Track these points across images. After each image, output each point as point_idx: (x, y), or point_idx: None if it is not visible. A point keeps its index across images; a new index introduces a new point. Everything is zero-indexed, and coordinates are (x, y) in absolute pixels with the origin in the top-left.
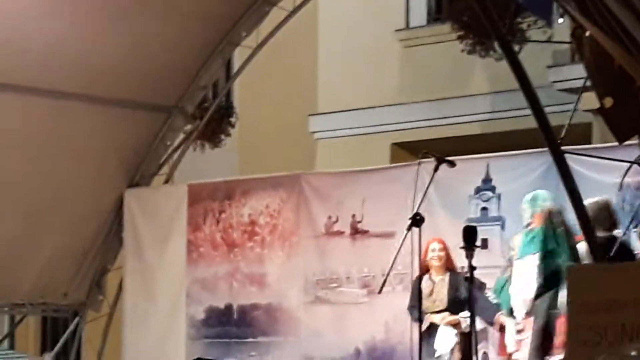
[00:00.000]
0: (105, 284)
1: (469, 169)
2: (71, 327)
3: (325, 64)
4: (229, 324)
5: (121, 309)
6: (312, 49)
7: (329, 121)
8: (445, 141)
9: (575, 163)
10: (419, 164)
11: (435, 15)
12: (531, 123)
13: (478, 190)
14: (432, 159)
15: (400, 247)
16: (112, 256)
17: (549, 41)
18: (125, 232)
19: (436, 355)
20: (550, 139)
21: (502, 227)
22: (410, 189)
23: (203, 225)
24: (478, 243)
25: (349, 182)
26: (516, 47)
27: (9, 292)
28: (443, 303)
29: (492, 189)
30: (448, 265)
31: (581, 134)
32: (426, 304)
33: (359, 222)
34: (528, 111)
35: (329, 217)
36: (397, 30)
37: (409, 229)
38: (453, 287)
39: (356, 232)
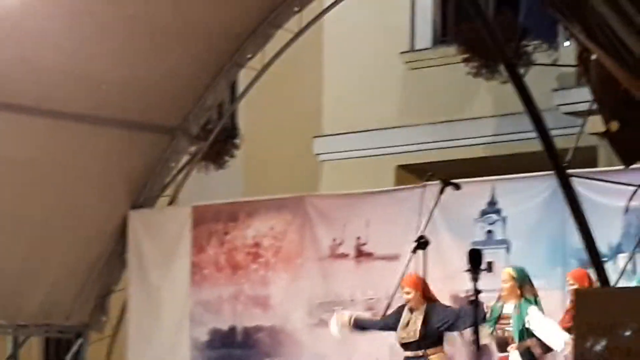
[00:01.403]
0: (108, 305)
1: (474, 192)
2: (74, 348)
3: (330, 86)
4: (232, 346)
5: (124, 330)
6: (317, 70)
7: (333, 143)
8: (451, 164)
9: (581, 186)
10: (424, 186)
11: (441, 38)
12: (536, 146)
13: (483, 213)
14: (437, 182)
15: (405, 270)
16: (115, 277)
17: (554, 64)
18: (129, 254)
19: None
20: (556, 162)
21: (508, 250)
22: (415, 212)
23: (207, 247)
24: (483, 266)
25: (354, 205)
26: (522, 70)
27: (13, 313)
28: (416, 335)
29: (498, 211)
30: (426, 297)
31: (587, 158)
32: (402, 334)
33: (364, 244)
34: (533, 134)
35: (334, 240)
36: (403, 52)
37: (414, 251)
38: (427, 319)
39: (360, 254)
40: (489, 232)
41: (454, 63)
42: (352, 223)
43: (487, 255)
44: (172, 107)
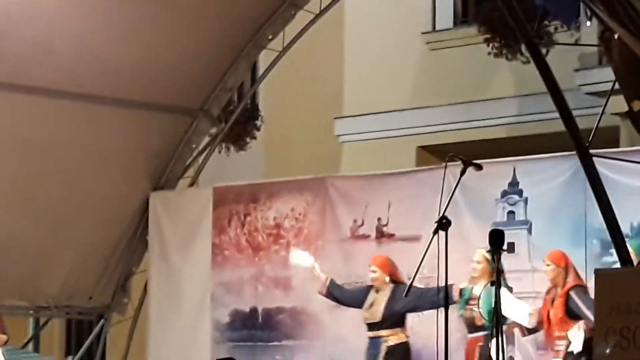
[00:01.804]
0: (130, 287)
1: (496, 173)
2: (96, 330)
3: (351, 67)
4: (254, 328)
5: (146, 312)
6: (338, 51)
7: (354, 124)
8: (472, 144)
9: (602, 166)
10: (445, 167)
11: (462, 18)
12: (558, 126)
13: (505, 194)
14: (458, 162)
15: (426, 251)
16: (137, 259)
17: (576, 44)
18: (151, 235)
19: None
20: (578, 142)
21: (529, 230)
22: (436, 193)
23: (228, 228)
24: (505, 247)
25: (375, 186)
26: (543, 50)
27: (34, 294)
28: (378, 316)
29: (519, 192)
30: (393, 280)
31: (609, 138)
32: (366, 314)
33: (385, 225)
34: (555, 114)
35: (355, 221)
36: (424, 33)
37: (435, 232)
38: (391, 301)
39: (382, 235)
40: (511, 212)
41: (476, 43)
42: (373, 204)
43: (509, 236)
44: (193, 89)
